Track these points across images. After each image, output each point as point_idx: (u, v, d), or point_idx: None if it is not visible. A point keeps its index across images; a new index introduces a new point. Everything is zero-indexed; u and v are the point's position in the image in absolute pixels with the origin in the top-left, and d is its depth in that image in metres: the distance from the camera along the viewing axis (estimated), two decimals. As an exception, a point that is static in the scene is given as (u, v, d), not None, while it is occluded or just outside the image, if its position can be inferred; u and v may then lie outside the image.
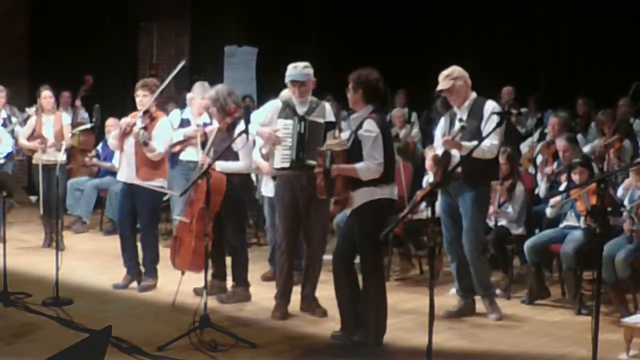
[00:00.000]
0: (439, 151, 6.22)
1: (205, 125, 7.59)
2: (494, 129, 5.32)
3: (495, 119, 5.84)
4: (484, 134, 5.90)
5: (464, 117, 6.10)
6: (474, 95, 6.19)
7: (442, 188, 6.20)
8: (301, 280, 6.38)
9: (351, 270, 5.49)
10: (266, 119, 6.21)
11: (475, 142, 5.84)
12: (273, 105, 6.28)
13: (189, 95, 8.36)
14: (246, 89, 13.14)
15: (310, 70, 6.21)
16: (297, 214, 6.15)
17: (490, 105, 6.06)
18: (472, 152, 5.19)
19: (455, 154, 6.03)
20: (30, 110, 8.80)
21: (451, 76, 6.11)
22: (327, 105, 6.40)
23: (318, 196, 5.57)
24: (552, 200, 6.80)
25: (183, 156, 8.08)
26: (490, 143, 5.93)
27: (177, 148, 7.78)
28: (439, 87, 6.18)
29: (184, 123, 8.14)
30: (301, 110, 6.15)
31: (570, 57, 12.29)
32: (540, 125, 10.10)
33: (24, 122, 9.01)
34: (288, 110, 6.16)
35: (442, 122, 6.38)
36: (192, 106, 8.23)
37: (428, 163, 7.69)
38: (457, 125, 6.07)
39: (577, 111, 10.31)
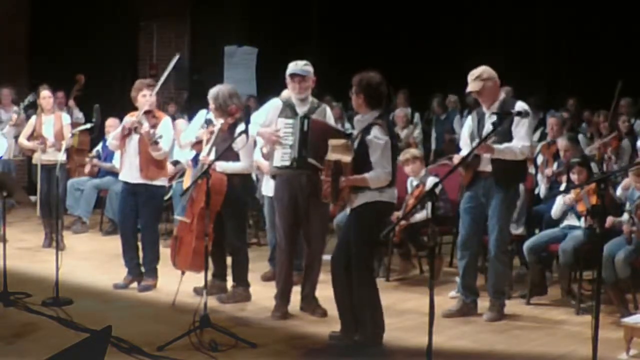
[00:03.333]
0: (465, 153, 6.20)
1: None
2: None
3: (518, 120, 5.83)
4: (514, 135, 5.92)
5: (494, 118, 6.05)
6: (503, 95, 6.18)
7: (469, 188, 6.19)
8: (301, 280, 6.38)
9: (350, 271, 5.48)
10: (267, 119, 6.20)
11: (506, 144, 5.88)
12: (273, 105, 6.28)
13: None
14: (246, 89, 13.15)
15: (311, 69, 6.21)
16: (297, 213, 6.14)
17: (520, 106, 5.99)
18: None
19: (486, 156, 6.01)
20: (13, 116, 8.87)
21: (481, 77, 6.07)
22: (328, 109, 6.39)
23: (322, 201, 5.55)
24: (567, 199, 6.74)
25: None
26: (522, 144, 5.94)
27: (196, 148, 7.74)
28: (469, 89, 6.14)
29: (208, 123, 8.08)
30: (301, 110, 6.14)
31: (570, 57, 12.32)
32: (542, 125, 10.11)
33: (10, 122, 9.04)
34: (288, 110, 6.15)
35: (469, 122, 6.35)
36: None
37: (408, 169, 7.68)
38: (489, 127, 5.99)
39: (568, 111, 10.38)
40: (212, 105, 6.69)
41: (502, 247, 6.20)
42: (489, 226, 6.15)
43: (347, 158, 5.29)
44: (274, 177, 6.31)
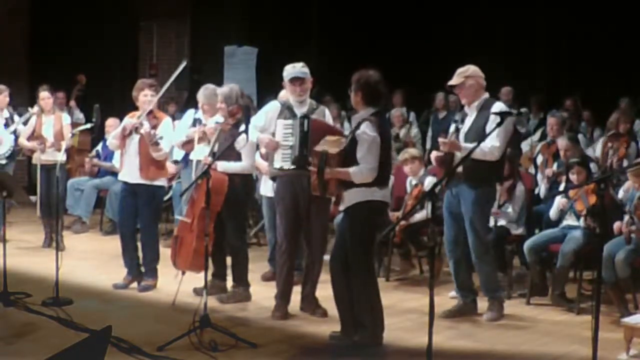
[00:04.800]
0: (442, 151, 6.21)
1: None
2: (494, 129, 5.32)
3: (495, 119, 5.82)
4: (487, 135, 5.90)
5: (473, 117, 6.09)
6: (486, 95, 6.16)
7: (447, 187, 6.19)
8: (301, 280, 6.38)
9: (348, 271, 5.48)
10: (266, 121, 6.21)
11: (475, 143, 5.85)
12: (272, 107, 6.29)
13: None
14: (246, 89, 13.08)
15: (308, 70, 6.23)
16: (298, 214, 6.14)
17: (498, 107, 6.01)
18: (470, 153, 5.18)
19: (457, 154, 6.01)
20: (33, 110, 8.82)
21: (464, 74, 6.09)
22: (327, 111, 6.41)
23: (312, 193, 5.55)
24: (561, 204, 6.75)
25: (193, 155, 8.02)
26: (491, 145, 5.90)
27: (186, 147, 7.75)
28: (450, 82, 6.16)
29: (197, 123, 8.08)
30: (300, 111, 6.14)
31: (570, 57, 12.31)
32: (543, 125, 10.11)
33: (26, 121, 9.03)
34: (287, 111, 6.16)
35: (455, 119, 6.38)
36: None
37: (407, 168, 7.69)
38: (452, 126, 6.08)
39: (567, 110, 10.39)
40: (221, 105, 6.65)
41: (482, 248, 6.17)
42: (466, 228, 6.13)
43: (333, 150, 5.30)
44: (273, 178, 6.30)
